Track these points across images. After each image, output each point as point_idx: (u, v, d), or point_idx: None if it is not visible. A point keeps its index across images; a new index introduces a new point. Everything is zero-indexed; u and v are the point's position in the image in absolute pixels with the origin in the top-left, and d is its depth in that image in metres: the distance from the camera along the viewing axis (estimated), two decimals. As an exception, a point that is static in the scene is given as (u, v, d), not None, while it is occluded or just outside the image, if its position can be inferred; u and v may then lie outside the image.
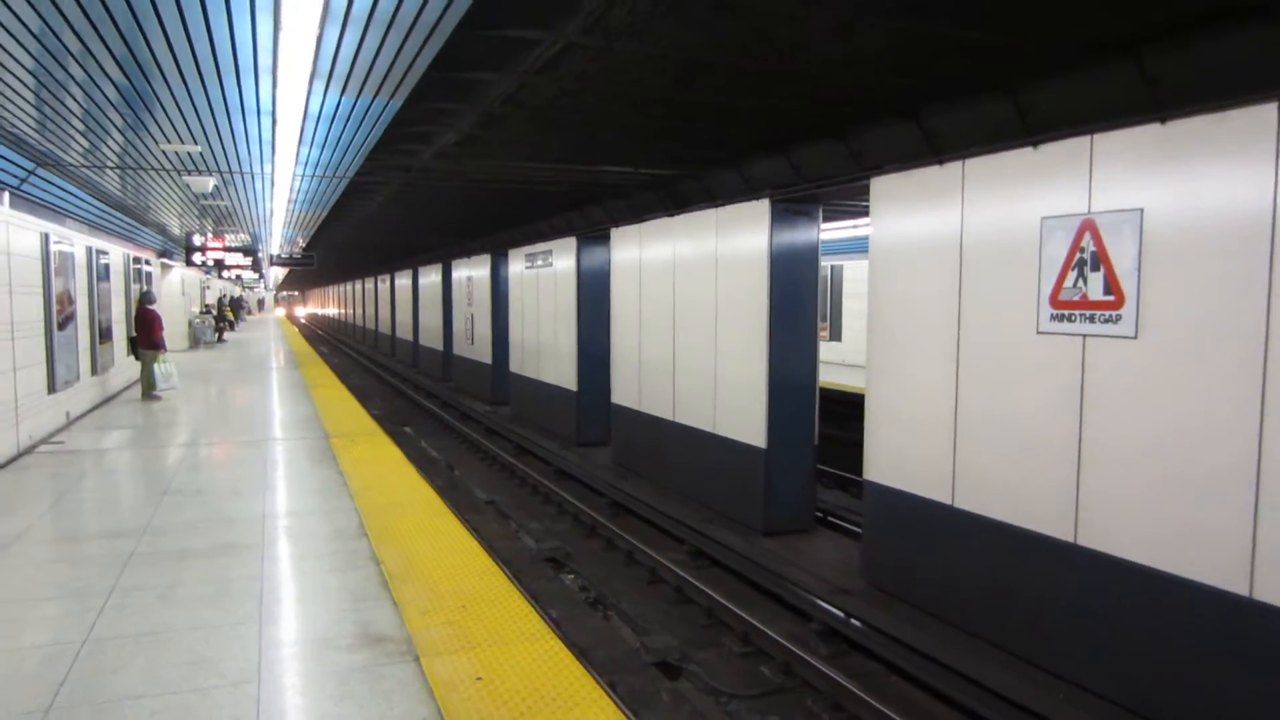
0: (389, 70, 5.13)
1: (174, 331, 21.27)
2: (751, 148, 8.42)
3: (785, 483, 9.18)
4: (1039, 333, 5.80)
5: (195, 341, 27.26)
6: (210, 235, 20.16)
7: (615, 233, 12.68)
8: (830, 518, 10.19)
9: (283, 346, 29.32)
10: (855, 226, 14.40)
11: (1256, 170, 4.50)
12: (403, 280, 31.91)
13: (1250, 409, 4.57)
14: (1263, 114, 4.48)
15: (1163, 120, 4.97)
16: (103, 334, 13.49)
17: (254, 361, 23.07)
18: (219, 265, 21.37)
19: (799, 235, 8.99)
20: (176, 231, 19.66)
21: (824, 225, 13.32)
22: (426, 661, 3.89)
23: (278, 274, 46.73)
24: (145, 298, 15.05)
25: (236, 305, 36.73)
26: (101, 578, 5.12)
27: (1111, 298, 5.30)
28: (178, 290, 25.39)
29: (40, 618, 4.56)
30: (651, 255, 11.49)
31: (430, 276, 26.78)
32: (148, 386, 14.28)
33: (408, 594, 4.78)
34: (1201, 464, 4.82)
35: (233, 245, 20.99)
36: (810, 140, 7.78)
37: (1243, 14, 4.37)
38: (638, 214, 11.79)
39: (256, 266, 22.70)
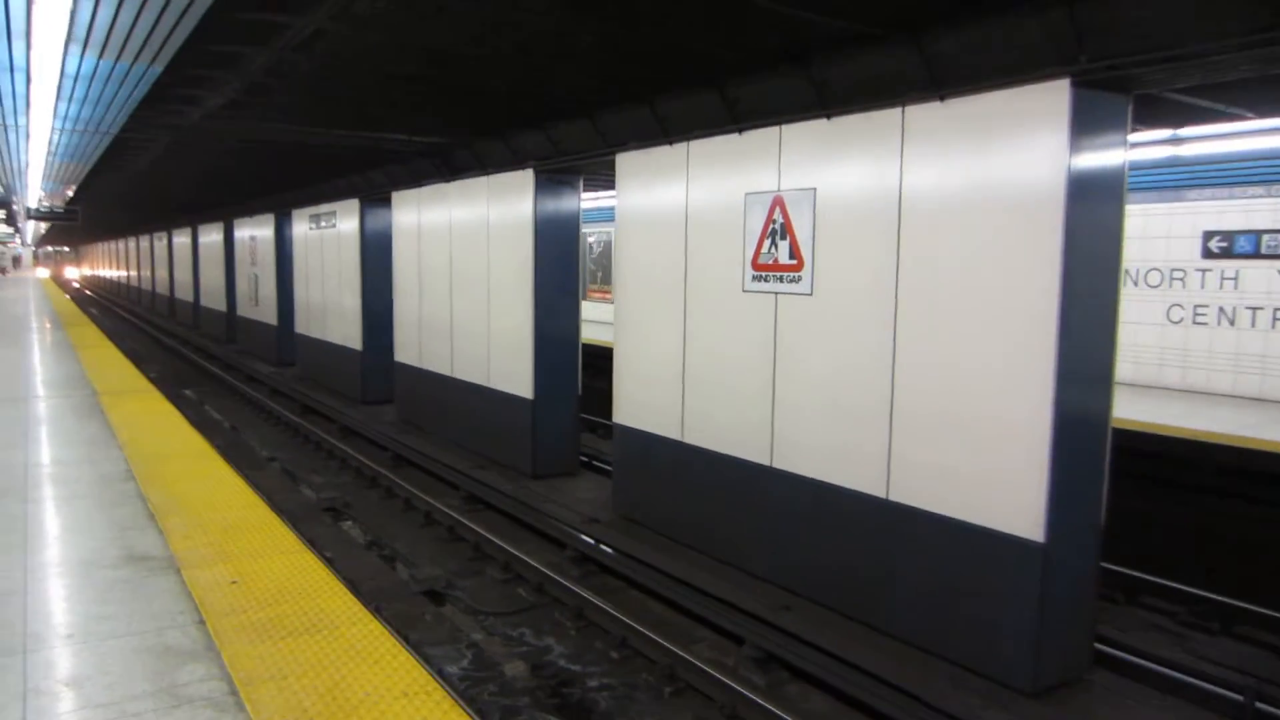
0: (147, 38, 5.44)
1: (-87, 290, 19.48)
2: (514, 122, 9.12)
3: (551, 430, 10.06)
4: (744, 291, 6.90)
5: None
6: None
7: (396, 196, 13.04)
8: (595, 462, 11.18)
9: (45, 307, 27.27)
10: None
11: (890, 159, 5.69)
12: (181, 239, 30.33)
13: (887, 354, 5.80)
14: (893, 116, 5.66)
15: (829, 117, 6.11)
16: None
17: (10, 321, 21.49)
18: (-35, 218, 19.74)
19: (562, 203, 9.80)
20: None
21: (599, 195, 14.24)
22: (187, 572, 4.43)
23: (37, 228, 42.88)
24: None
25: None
26: None
27: (794, 262, 6.44)
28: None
29: None
30: (429, 219, 11.99)
31: (212, 235, 25.72)
32: (-115, 347, 13.33)
33: (172, 523, 5.24)
34: (855, 398, 6.04)
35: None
36: (565, 118, 8.58)
37: (878, 39, 5.49)
38: (416, 179, 12.22)
39: (11, 220, 21.09)
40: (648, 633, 6.29)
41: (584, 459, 10.95)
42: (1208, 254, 10.78)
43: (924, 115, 5.48)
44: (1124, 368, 11.67)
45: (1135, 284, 11.57)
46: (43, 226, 38.88)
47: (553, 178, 9.59)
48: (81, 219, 23.49)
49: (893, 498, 5.82)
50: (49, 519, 5.40)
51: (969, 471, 5.32)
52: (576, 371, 10.15)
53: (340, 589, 4.29)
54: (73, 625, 3.83)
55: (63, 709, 3.14)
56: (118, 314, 38.12)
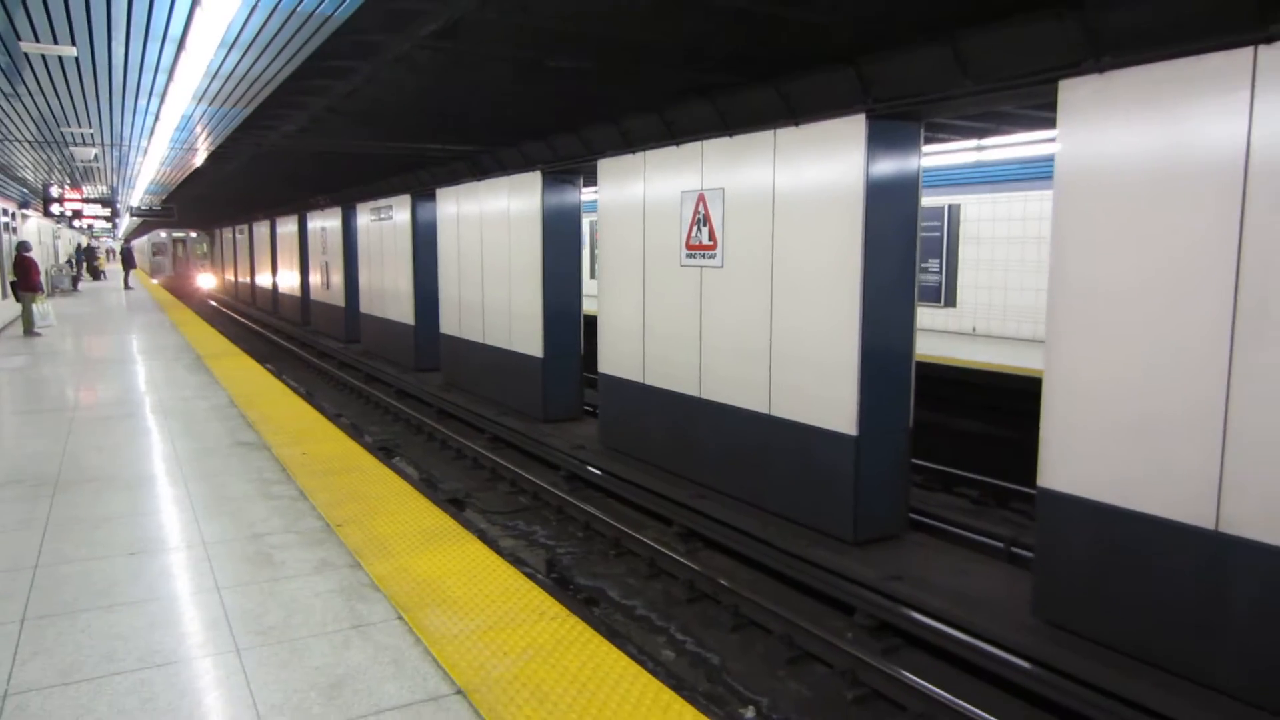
0: (241, 96, 7.87)
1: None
2: (521, 135, 11.42)
3: (558, 383, 12.39)
4: (681, 266, 9.08)
5: (51, 289, 28.43)
6: (68, 186, 21.45)
7: (439, 192, 15.48)
8: (597, 410, 13.45)
9: (141, 294, 30.60)
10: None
11: (767, 167, 7.81)
12: (261, 230, 33.41)
13: (767, 311, 7.93)
14: (769, 136, 7.79)
15: (730, 135, 8.25)
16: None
17: (115, 307, 24.64)
18: (76, 215, 22.72)
19: (565, 197, 12.08)
20: (34, 183, 21.01)
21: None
22: (274, 449, 6.87)
23: (130, 222, 46.21)
24: (23, 246, 16.92)
25: (91, 255, 36.21)
26: (57, 427, 7.81)
27: (711, 243, 8.60)
28: (35, 239, 26.48)
29: (31, 441, 7.28)
30: (465, 211, 14.39)
31: (288, 227, 28.61)
32: (28, 324, 16.26)
33: (264, 428, 7.71)
34: (751, 343, 8.19)
35: (91, 196, 22.38)
36: (557, 132, 10.84)
37: (754, 81, 7.61)
38: (455, 178, 14.63)
39: (114, 217, 24.10)
40: (605, 518, 8.56)
41: (588, 408, 13.24)
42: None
43: (787, 135, 7.60)
44: (1024, 327, 13.61)
45: (1023, 259, 13.51)
46: (135, 220, 42.37)
47: (557, 177, 11.87)
48: (177, 214, 26.61)
49: (772, 413, 7.97)
50: (183, 427, 7.91)
51: (816, 391, 7.45)
52: (579, 335, 12.43)
53: (371, 459, 6.67)
54: (206, 471, 6.28)
55: (208, 498, 5.56)
56: (206, 301, 41.63)
